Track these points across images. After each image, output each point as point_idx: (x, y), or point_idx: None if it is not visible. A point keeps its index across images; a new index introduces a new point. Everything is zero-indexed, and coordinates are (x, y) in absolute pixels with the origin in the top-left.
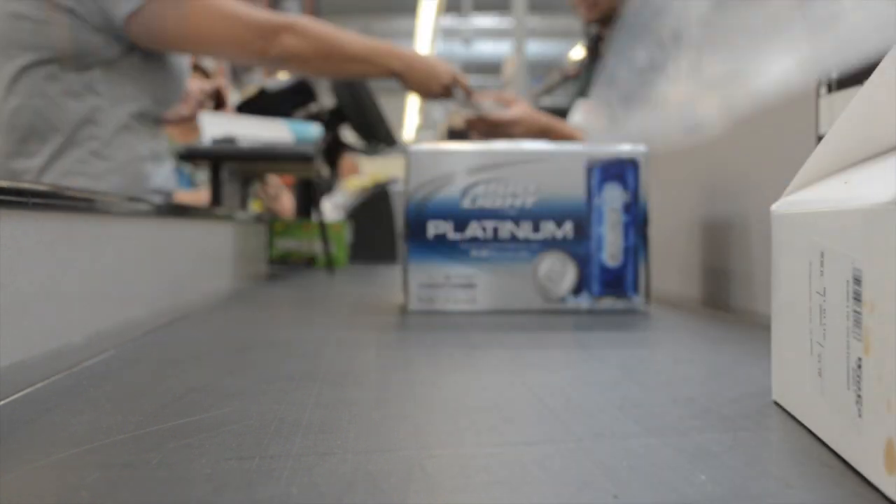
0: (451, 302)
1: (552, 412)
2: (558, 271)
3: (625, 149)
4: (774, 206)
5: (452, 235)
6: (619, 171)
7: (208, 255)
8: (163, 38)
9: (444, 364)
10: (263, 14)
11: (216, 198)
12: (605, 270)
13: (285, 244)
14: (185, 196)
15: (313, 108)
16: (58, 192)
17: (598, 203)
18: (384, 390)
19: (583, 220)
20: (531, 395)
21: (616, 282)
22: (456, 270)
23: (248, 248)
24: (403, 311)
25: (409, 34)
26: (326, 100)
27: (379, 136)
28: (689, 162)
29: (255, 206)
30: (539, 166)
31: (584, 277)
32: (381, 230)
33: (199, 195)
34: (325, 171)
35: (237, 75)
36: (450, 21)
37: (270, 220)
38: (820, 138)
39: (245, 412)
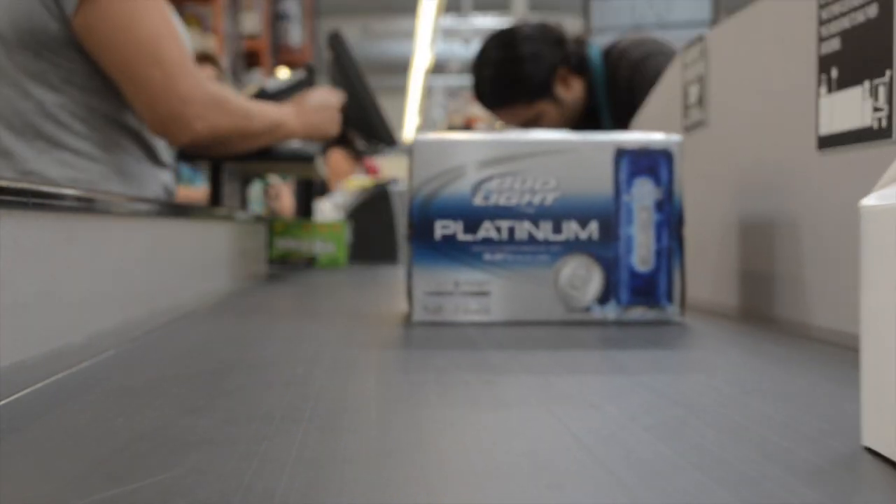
0: (462, 312)
1: (611, 473)
2: (582, 277)
3: (657, 138)
4: (865, 201)
5: (462, 237)
6: (651, 163)
7: (207, 255)
8: (98, 49)
9: (460, 396)
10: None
11: (216, 198)
12: (634, 276)
13: (285, 244)
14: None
15: None
16: (58, 193)
17: (627, 200)
18: (386, 436)
19: (610, 220)
20: (577, 445)
21: (647, 289)
22: (466, 276)
23: (247, 249)
24: (407, 321)
25: (409, 34)
26: None
27: (379, 136)
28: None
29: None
30: (560, 158)
31: (612, 284)
32: (381, 230)
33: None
34: (323, 171)
35: (237, 75)
36: (450, 21)
37: (270, 221)
38: (820, 138)
39: (201, 476)
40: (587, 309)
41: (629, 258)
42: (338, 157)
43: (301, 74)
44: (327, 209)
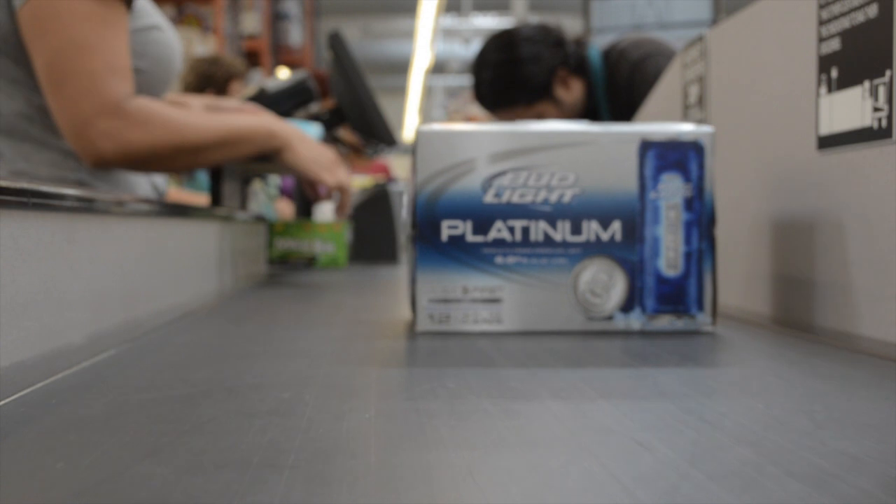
0: (471, 321)
1: None
2: (604, 282)
3: (686, 129)
4: None
5: (472, 238)
6: (680, 157)
7: (207, 255)
8: (30, 53)
9: (478, 431)
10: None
11: (216, 198)
12: (661, 281)
13: (285, 244)
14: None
15: (313, 108)
16: (58, 193)
17: (653, 197)
18: (388, 490)
19: (634, 219)
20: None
21: (675, 295)
22: (476, 281)
23: (247, 249)
24: (410, 331)
25: (409, 34)
26: (326, 99)
27: (379, 136)
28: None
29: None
30: (580, 151)
31: (636, 290)
32: (381, 230)
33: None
34: None
35: None
36: (450, 21)
37: (270, 221)
38: (820, 139)
39: None
40: (609, 317)
41: (655, 261)
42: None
43: (301, 74)
44: (327, 209)
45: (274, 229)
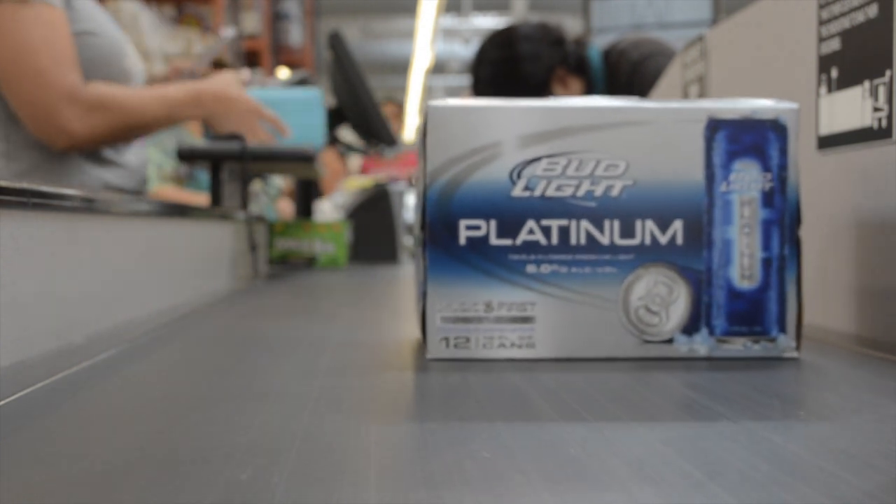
0: (496, 345)
1: None
2: (662, 297)
3: (765, 105)
4: None
5: (497, 241)
6: (757, 139)
7: (206, 255)
8: None
9: None
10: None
11: (216, 198)
12: (734, 295)
13: (285, 244)
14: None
15: None
16: (58, 193)
17: (723, 191)
18: None
19: (700, 218)
20: None
21: (751, 313)
22: (502, 295)
23: (247, 249)
24: (419, 357)
25: (409, 34)
26: (326, 100)
27: (379, 135)
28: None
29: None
30: (633, 133)
31: (703, 306)
32: (381, 230)
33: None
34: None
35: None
36: (450, 21)
37: (270, 221)
38: (820, 139)
39: None
40: (668, 341)
41: (727, 271)
42: (331, 156)
43: (301, 74)
44: (327, 209)
45: (274, 229)
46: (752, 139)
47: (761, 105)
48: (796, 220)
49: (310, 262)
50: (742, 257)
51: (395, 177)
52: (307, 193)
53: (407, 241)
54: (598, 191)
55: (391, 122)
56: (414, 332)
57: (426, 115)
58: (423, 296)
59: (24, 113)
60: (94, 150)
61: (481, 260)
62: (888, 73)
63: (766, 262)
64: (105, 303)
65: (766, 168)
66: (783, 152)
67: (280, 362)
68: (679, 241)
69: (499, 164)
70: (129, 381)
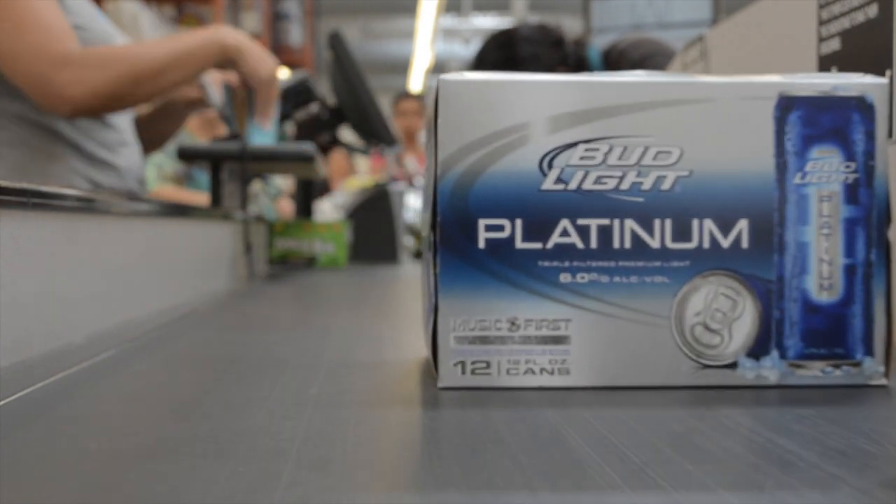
0: (522, 371)
1: None
2: (724, 312)
3: (847, 81)
4: None
5: (523, 244)
6: (838, 121)
7: (206, 255)
8: None
9: None
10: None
11: (216, 198)
12: (811, 310)
13: (285, 244)
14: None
15: (313, 107)
16: (58, 193)
17: (798, 183)
18: None
19: (770, 216)
20: None
21: (832, 332)
22: (531, 310)
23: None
24: (428, 384)
25: (409, 34)
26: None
27: (379, 135)
28: None
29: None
30: (688, 113)
31: (773, 323)
32: (381, 230)
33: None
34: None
35: None
36: (450, 21)
37: (270, 221)
38: None
39: None
40: (731, 365)
41: (802, 280)
42: (338, 156)
43: (302, 74)
44: (327, 209)
45: (274, 229)
46: (833, 121)
47: (844, 80)
48: (886, 218)
49: (310, 262)
50: (820, 264)
51: (417, 171)
52: (307, 193)
53: (407, 242)
54: (647, 183)
55: (413, 118)
56: (420, 346)
57: (438, 91)
58: (434, 310)
59: (24, 84)
60: (107, 109)
61: (504, 267)
62: (888, 73)
63: (850, 270)
64: (105, 303)
65: (849, 156)
66: (870, 137)
67: (262, 390)
68: (744, 244)
69: (526, 151)
70: (130, 381)
